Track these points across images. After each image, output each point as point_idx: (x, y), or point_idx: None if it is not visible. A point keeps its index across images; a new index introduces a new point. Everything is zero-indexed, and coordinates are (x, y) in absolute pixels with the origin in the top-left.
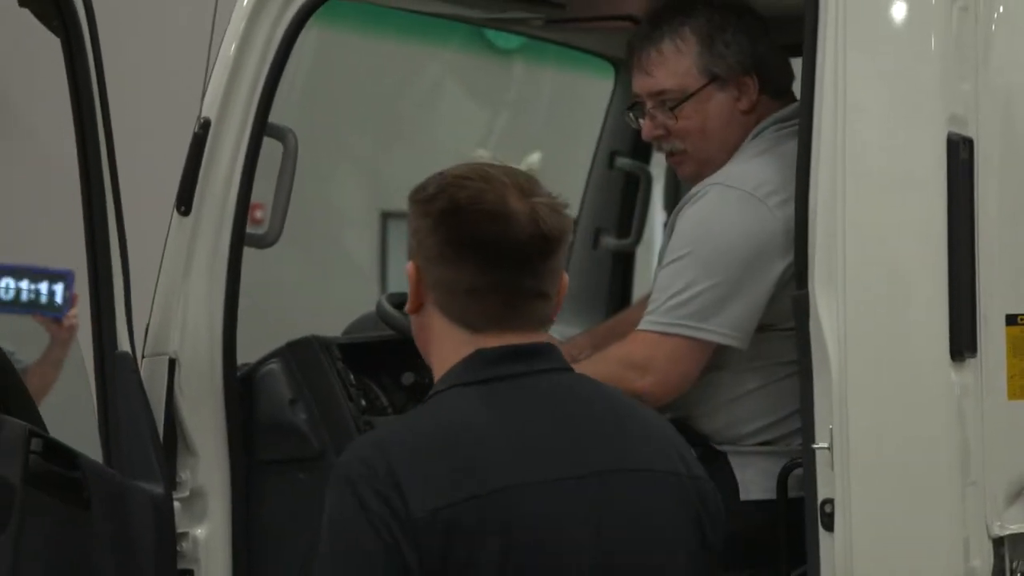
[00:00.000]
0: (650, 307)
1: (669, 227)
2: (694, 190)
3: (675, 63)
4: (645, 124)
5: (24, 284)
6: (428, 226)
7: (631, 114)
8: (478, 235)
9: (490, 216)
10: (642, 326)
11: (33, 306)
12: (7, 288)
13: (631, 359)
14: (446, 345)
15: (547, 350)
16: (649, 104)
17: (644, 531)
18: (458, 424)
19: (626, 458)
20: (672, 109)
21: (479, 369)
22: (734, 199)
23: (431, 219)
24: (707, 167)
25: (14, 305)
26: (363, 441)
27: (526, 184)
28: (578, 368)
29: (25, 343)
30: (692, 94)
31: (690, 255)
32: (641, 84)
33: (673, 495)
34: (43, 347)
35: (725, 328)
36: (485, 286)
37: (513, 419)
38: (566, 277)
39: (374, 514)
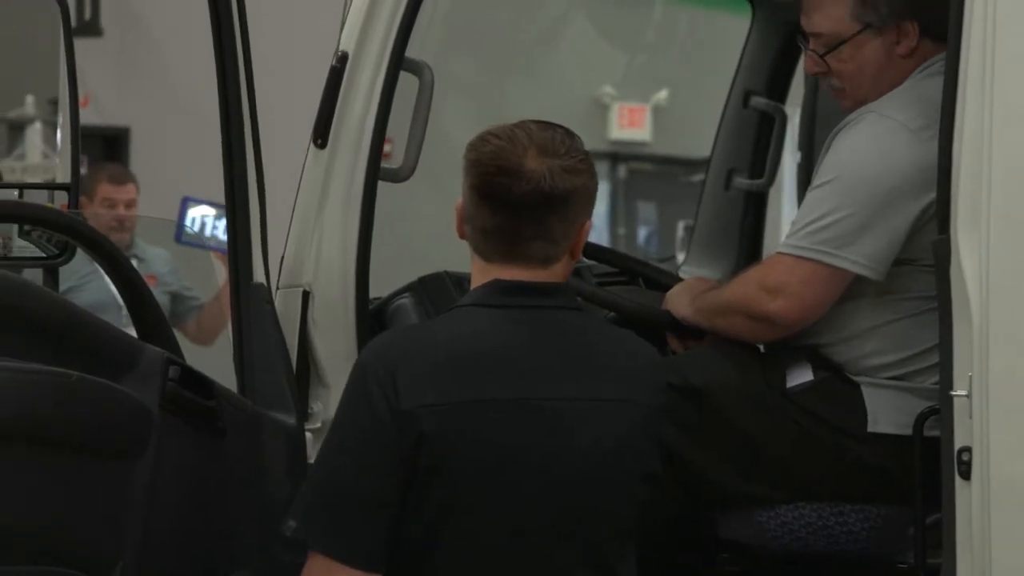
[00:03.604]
0: (791, 230)
1: (824, 149)
2: (851, 116)
3: (830, 7)
4: (807, 60)
5: (210, 219)
6: (464, 172)
7: (800, 41)
8: (488, 186)
9: (501, 171)
10: (781, 248)
11: (217, 242)
12: (193, 222)
13: (765, 281)
14: (473, 268)
15: (554, 289)
16: (810, 42)
17: (594, 458)
18: (466, 336)
19: (593, 390)
20: (824, 55)
21: (496, 295)
22: (885, 129)
23: (465, 167)
24: (866, 104)
25: (200, 240)
26: (382, 338)
27: (550, 146)
28: (716, 291)
29: (205, 279)
30: (845, 40)
31: (835, 181)
32: (803, 22)
33: (627, 425)
34: (221, 284)
35: (862, 257)
36: (492, 227)
37: (510, 342)
38: (589, 224)
39: (373, 398)
